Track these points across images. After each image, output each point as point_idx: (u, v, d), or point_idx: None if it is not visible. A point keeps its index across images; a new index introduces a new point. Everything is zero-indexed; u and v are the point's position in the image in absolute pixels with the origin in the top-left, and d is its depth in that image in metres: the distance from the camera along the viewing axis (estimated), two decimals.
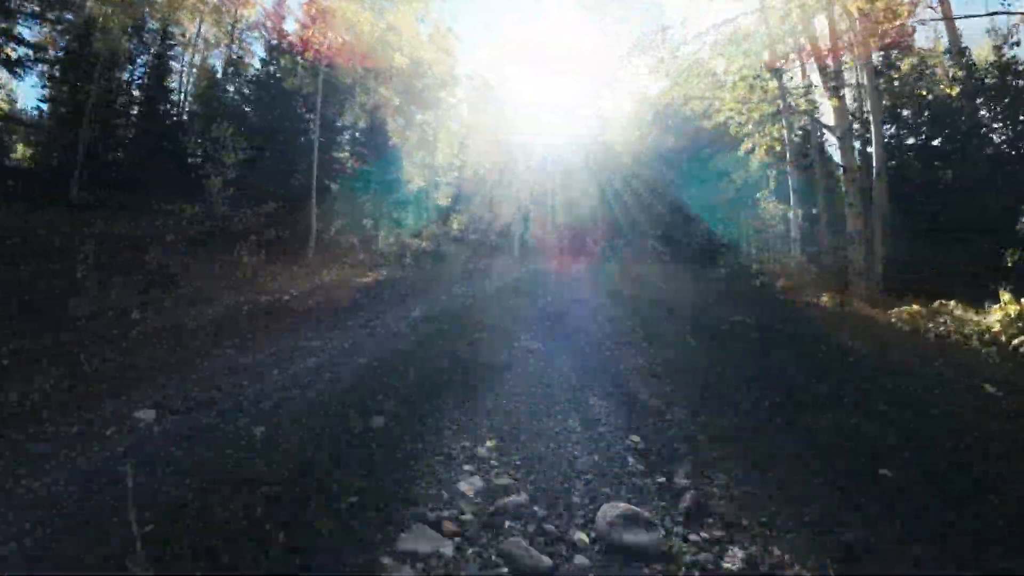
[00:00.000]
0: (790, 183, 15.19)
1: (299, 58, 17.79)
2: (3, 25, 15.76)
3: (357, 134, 24.05)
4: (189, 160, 19.80)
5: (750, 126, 17.24)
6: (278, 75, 18.67)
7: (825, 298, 11.08)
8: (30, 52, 17.25)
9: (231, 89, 24.90)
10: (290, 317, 7.81)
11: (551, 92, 51.36)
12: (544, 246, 37.93)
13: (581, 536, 2.69)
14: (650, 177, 29.42)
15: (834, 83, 12.96)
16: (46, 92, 19.95)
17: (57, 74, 19.50)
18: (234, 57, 25.61)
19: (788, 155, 14.75)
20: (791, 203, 16.05)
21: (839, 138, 12.69)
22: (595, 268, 22.60)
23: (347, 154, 24.16)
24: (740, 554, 2.54)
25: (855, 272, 11.92)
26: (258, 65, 24.28)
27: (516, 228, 33.58)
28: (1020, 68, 15.18)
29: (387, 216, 23.62)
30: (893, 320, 8.63)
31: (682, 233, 32.64)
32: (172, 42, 21.92)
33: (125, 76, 20.57)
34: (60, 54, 20.25)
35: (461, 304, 10.14)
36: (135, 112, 21.65)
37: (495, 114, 39.10)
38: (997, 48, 16.47)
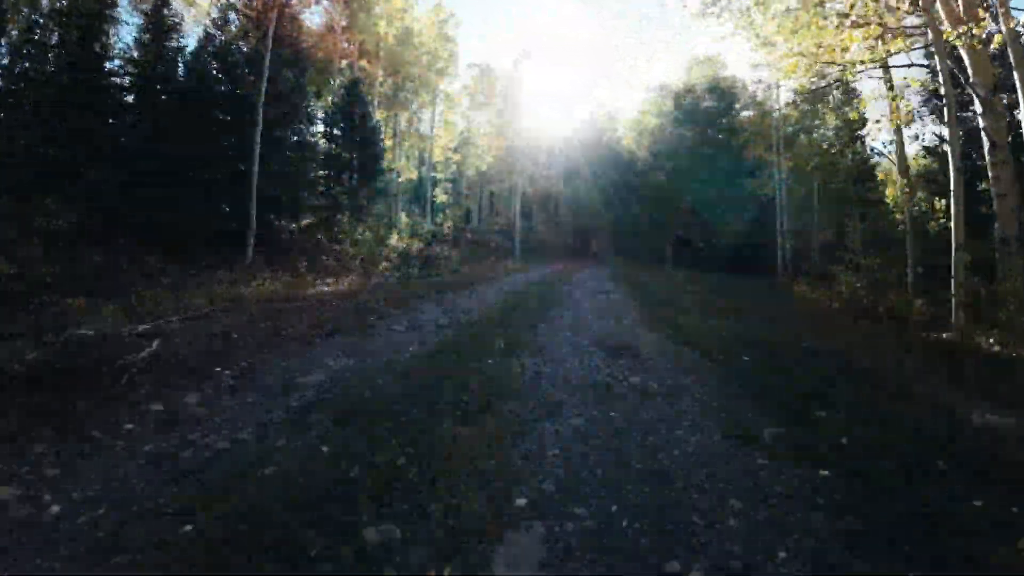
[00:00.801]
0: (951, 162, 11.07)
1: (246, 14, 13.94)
2: None
3: (330, 112, 20.08)
4: None
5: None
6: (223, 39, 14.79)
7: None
8: None
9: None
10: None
11: (557, 86, 47.50)
12: (548, 248, 33.96)
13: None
14: (667, 174, 25.53)
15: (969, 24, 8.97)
16: None
17: None
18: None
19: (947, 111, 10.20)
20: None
21: (982, 100, 8.70)
22: (614, 277, 18.66)
23: (316, 136, 20.25)
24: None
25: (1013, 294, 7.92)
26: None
27: (517, 228, 29.58)
28: None
29: (367, 211, 19.65)
30: None
31: (704, 236, 28.72)
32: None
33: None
34: None
35: (407, 367, 6.15)
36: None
37: (498, 108, 34.90)
38: None
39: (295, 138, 17.36)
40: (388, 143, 30.88)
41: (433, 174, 40.90)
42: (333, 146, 19.64)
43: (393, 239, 21.71)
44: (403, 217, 29.97)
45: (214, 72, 14.19)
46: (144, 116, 13.13)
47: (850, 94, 16.98)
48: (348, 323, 6.75)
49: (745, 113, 31.55)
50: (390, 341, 5.80)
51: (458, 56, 35.49)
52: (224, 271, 11.87)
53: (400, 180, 27.90)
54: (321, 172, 19.53)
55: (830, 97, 17.25)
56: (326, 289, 10.59)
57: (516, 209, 29.79)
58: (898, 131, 14.80)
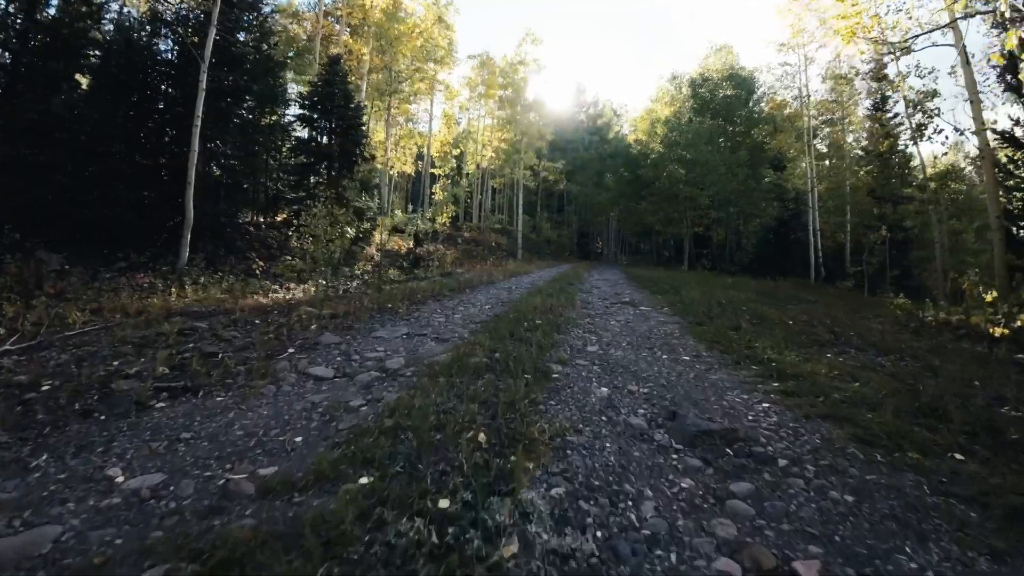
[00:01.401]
0: None
1: None
2: None
3: (308, 90, 17.41)
4: None
5: None
6: None
7: None
8: None
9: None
10: None
11: (563, 75, 44.68)
12: (552, 247, 31.24)
13: None
14: (685, 166, 22.83)
15: None
16: None
17: None
18: None
19: None
20: None
21: None
22: (632, 280, 15.95)
23: (290, 119, 17.66)
24: None
25: None
26: None
27: (520, 226, 26.93)
28: None
29: (349, 205, 16.99)
30: None
31: (725, 234, 25.92)
32: None
33: None
34: None
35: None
36: None
37: (500, 99, 32.19)
38: None
39: (260, 118, 14.77)
40: (380, 135, 28.28)
41: (431, 170, 38.46)
42: (309, 130, 17.01)
43: (378, 236, 19.10)
44: (398, 213, 27.37)
45: (147, 32, 11.55)
46: (60, 82, 10.48)
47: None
48: (232, 364, 4.07)
49: (766, 102, 28.98)
50: (265, 422, 3.08)
51: (457, 46, 32.90)
52: (149, 274, 9.26)
53: (392, 173, 25.28)
54: (299, 160, 16.97)
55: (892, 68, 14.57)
56: (267, 300, 7.94)
57: (518, 206, 27.18)
58: (976, 107, 12.16)
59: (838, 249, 23.44)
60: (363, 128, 17.98)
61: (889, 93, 25.03)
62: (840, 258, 23.02)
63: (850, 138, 25.52)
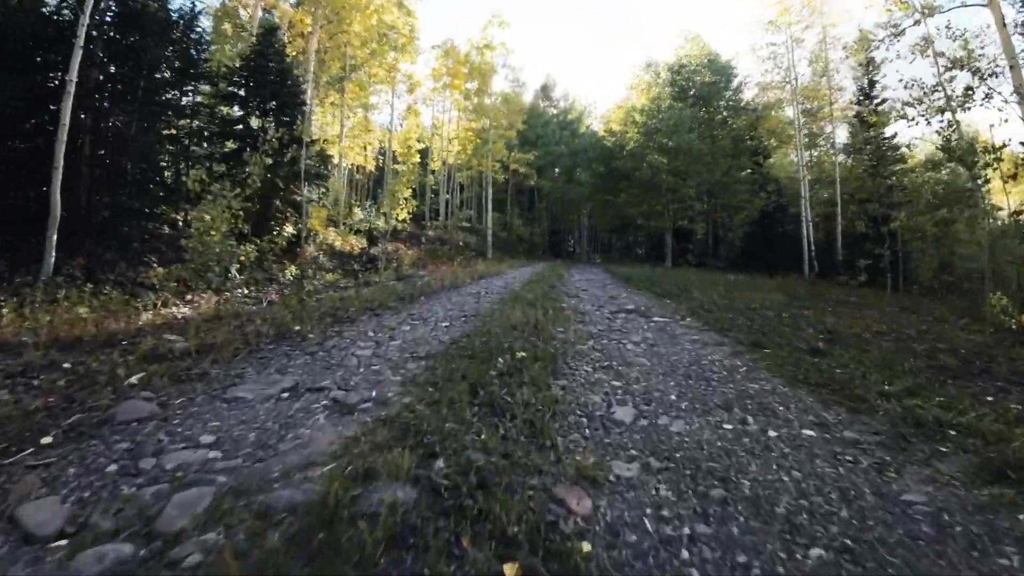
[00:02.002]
0: None
1: None
2: None
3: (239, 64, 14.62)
4: None
5: None
6: None
7: None
8: None
9: None
10: None
11: (534, 64, 42.48)
12: (523, 244, 28.88)
13: None
14: (668, 155, 20.85)
15: None
16: None
17: None
18: None
19: None
20: None
21: None
22: (621, 280, 13.68)
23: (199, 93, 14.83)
24: None
25: None
26: None
27: (489, 223, 24.51)
28: None
29: (284, 198, 14.29)
30: None
31: (710, 228, 24.02)
32: None
33: None
34: None
35: None
36: None
37: (466, 90, 29.59)
38: None
39: (180, 96, 12.05)
40: (334, 127, 25.46)
41: (394, 166, 35.66)
42: (236, 111, 14.28)
43: (330, 235, 16.47)
44: (358, 212, 24.57)
45: None
46: None
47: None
48: None
49: (747, 90, 27.28)
50: None
51: (419, 33, 30.31)
52: None
53: (346, 165, 22.60)
54: (227, 146, 14.21)
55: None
56: (137, 321, 5.37)
57: (488, 202, 24.75)
58: (1016, 73, 10.34)
59: (828, 241, 21.81)
60: (303, 108, 15.29)
61: (878, 77, 23.62)
62: (831, 250, 21.37)
63: (841, 131, 23.95)
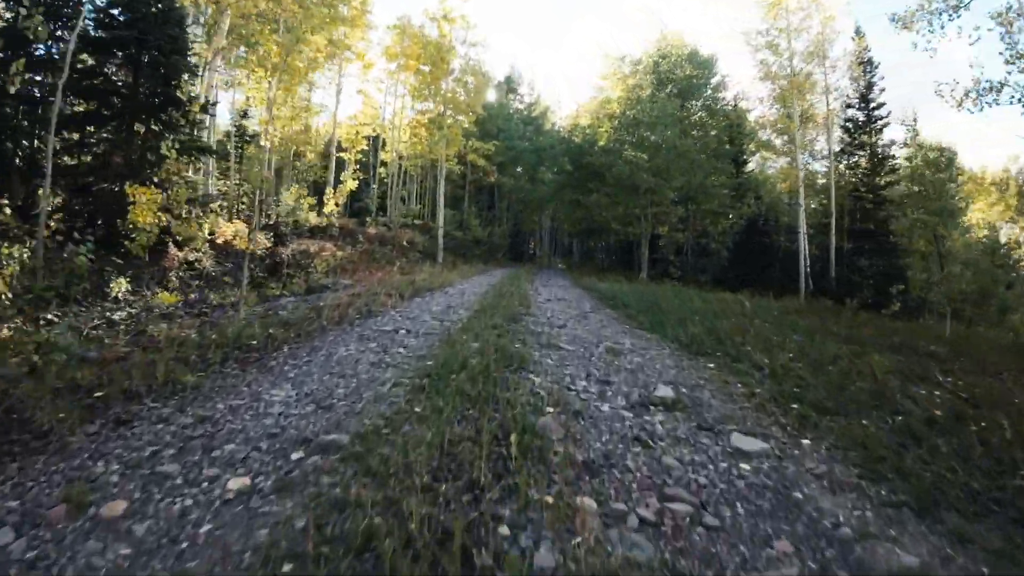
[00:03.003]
0: None
1: None
2: None
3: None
4: None
5: None
6: None
7: None
8: None
9: None
10: None
11: (498, 49, 38.72)
12: (480, 247, 25.13)
13: None
14: (648, 153, 17.82)
15: None
16: None
17: None
18: None
19: None
20: None
21: None
22: (607, 300, 10.19)
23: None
24: None
25: None
26: None
27: (441, 222, 20.82)
28: None
29: (153, 179, 10.24)
30: None
31: (691, 237, 21.05)
32: None
33: None
34: None
35: None
36: None
37: (423, 73, 25.64)
38: None
39: None
40: (245, 98, 21.19)
41: (340, 154, 31.53)
42: (95, 61, 10.14)
43: (229, 231, 12.47)
44: (288, 202, 20.32)
45: None
46: None
47: None
48: None
49: (727, 90, 24.66)
50: None
51: (372, 6, 26.35)
52: None
53: (266, 144, 18.49)
54: (77, 106, 10.09)
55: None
56: None
57: (440, 198, 21.03)
58: None
59: (820, 255, 19.21)
60: (189, 63, 11.22)
61: (876, 79, 21.34)
62: (823, 265, 18.75)
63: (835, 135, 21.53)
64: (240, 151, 22.05)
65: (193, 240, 9.98)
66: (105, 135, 10.26)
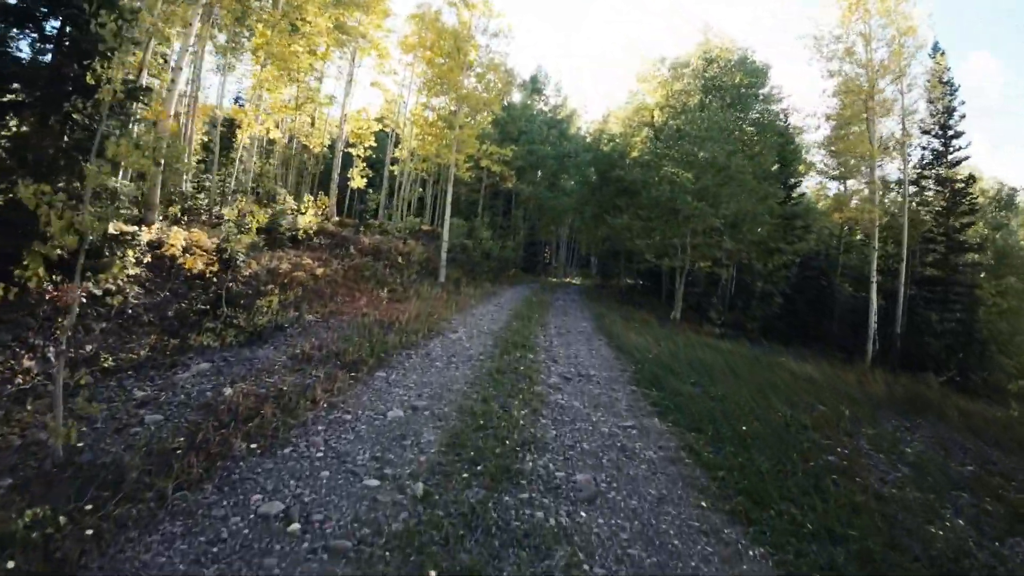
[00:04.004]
0: None
1: None
2: None
3: None
4: None
5: None
6: None
7: None
8: None
9: None
10: None
11: (524, 44, 35.68)
12: (490, 262, 22.25)
13: None
14: (696, 170, 14.96)
15: None
16: None
17: None
18: None
19: None
20: None
21: None
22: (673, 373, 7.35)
23: None
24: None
25: None
26: None
27: (447, 232, 18.13)
28: None
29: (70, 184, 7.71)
30: None
31: (735, 275, 18.01)
32: None
33: None
34: None
35: None
36: None
37: (439, 66, 22.99)
38: None
39: None
40: (273, 95, 18.68)
41: (348, 149, 29.05)
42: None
43: (176, 241, 9.93)
44: (252, 208, 17.79)
45: None
46: None
47: None
48: None
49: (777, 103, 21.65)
50: None
51: None
52: None
53: (249, 141, 15.96)
54: None
55: None
56: None
57: (448, 208, 18.31)
58: None
59: (886, 304, 16.14)
60: (124, 36, 8.64)
61: (957, 103, 18.22)
62: (886, 319, 15.69)
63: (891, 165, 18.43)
64: (228, 143, 19.60)
65: (106, 267, 7.37)
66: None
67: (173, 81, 12.64)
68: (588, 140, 28.74)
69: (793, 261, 15.96)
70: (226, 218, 11.42)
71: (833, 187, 21.62)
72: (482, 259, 20.34)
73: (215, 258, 9.21)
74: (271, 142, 29.63)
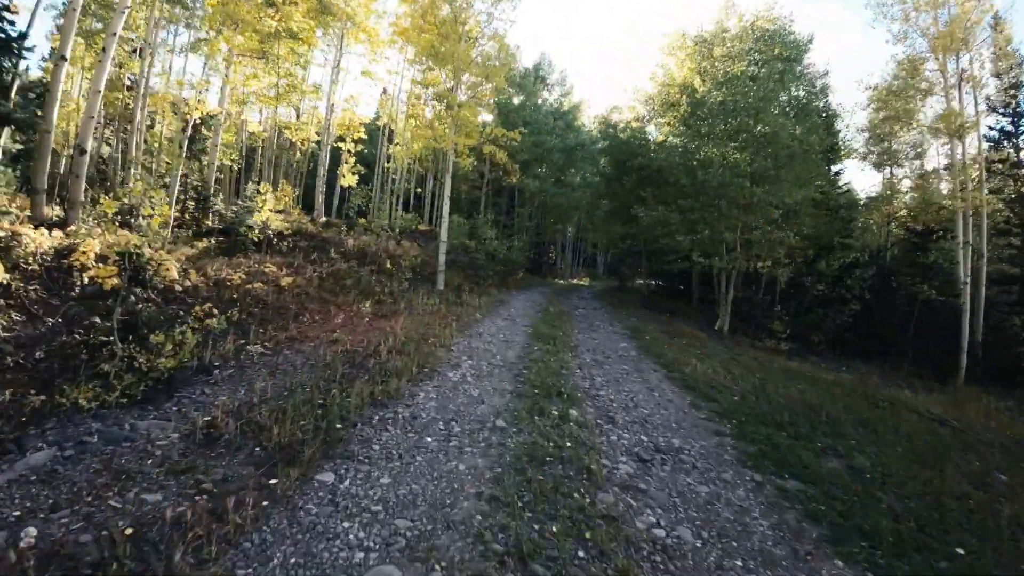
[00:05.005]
0: None
1: None
2: None
3: None
4: None
5: None
6: None
7: None
8: None
9: None
10: None
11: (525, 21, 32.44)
12: (495, 263, 19.35)
13: None
14: (751, 150, 12.24)
15: None
16: None
17: None
18: None
19: None
20: None
21: None
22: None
23: None
24: None
25: None
26: None
27: (445, 230, 15.32)
28: None
29: None
30: None
31: (793, 276, 14.83)
32: None
33: None
34: None
35: None
36: None
37: (433, 45, 20.04)
38: None
39: None
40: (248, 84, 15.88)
41: (338, 143, 26.32)
42: None
43: (84, 251, 7.18)
44: (152, 193, 14.84)
45: None
46: None
47: None
48: None
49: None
50: None
51: None
52: None
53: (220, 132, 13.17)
54: None
55: None
56: None
57: (446, 203, 15.43)
58: None
59: (948, 311, 13.35)
60: None
61: None
62: (956, 327, 12.90)
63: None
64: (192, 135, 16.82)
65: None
66: None
67: (104, 50, 9.96)
68: (602, 128, 25.94)
69: (858, 259, 13.25)
70: (142, 212, 8.65)
71: (871, 176, 18.85)
72: (486, 261, 17.60)
73: (117, 268, 6.45)
74: (253, 136, 26.87)
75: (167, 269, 8.48)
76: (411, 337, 7.59)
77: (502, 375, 6.13)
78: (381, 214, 17.32)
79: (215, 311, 7.38)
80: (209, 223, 13.74)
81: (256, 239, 10.92)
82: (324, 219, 20.00)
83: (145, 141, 17.11)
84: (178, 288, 8.09)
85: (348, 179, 23.79)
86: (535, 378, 5.99)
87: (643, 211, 14.51)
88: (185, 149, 13.51)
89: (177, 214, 14.85)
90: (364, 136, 24.18)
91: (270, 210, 11.01)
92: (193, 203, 14.86)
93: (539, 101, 28.64)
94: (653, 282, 22.98)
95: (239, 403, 4.59)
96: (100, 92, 9.98)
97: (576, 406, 5.18)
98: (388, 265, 12.75)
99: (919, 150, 18.79)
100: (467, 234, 19.16)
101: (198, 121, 14.93)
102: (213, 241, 11.56)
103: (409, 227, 22.82)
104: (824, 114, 17.82)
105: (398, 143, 25.14)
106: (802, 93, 16.14)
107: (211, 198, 13.79)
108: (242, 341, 7.09)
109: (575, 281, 31.73)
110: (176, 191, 15.59)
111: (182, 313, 7.21)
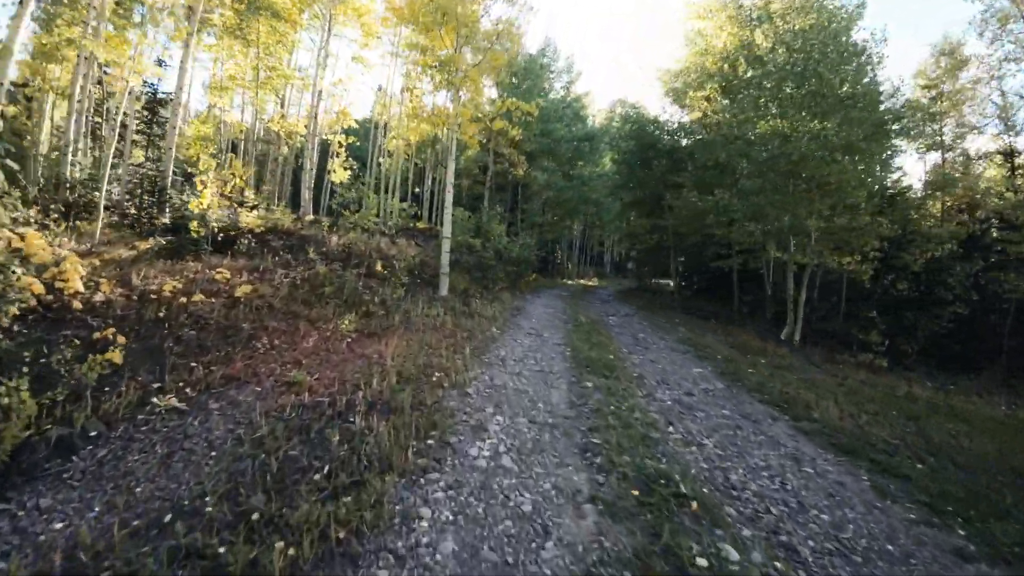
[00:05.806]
0: None
1: None
2: None
3: None
4: None
5: None
6: None
7: None
8: None
9: None
10: None
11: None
12: (501, 263, 16.75)
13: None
14: (812, 114, 9.83)
15: None
16: None
17: None
18: None
19: None
20: None
21: None
22: None
23: None
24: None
25: None
26: None
27: (448, 228, 12.80)
28: None
29: None
30: None
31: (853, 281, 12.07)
32: None
33: None
34: None
35: None
36: None
37: (425, 27, 17.35)
38: None
39: None
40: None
41: (325, 136, 23.93)
42: None
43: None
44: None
45: None
46: None
47: None
48: None
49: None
50: None
51: None
52: None
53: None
54: None
55: None
56: None
57: (449, 193, 12.86)
58: None
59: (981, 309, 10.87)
60: None
61: None
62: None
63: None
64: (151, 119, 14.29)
65: None
66: None
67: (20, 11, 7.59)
68: (624, 112, 23.58)
69: (954, 252, 10.84)
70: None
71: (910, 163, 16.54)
72: (495, 260, 15.12)
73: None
74: (232, 129, 24.32)
75: (66, 279, 6.05)
76: (407, 371, 5.16)
77: (558, 448, 3.69)
78: (371, 209, 14.81)
79: (119, 337, 4.97)
80: (166, 220, 11.27)
81: (196, 234, 8.44)
82: (311, 217, 17.52)
83: (98, 121, 14.58)
84: (77, 306, 5.66)
85: (339, 174, 21.33)
86: (615, 454, 3.54)
87: (678, 199, 12.03)
88: (131, 130, 11.00)
89: (133, 211, 12.44)
90: (355, 125, 21.72)
91: (214, 194, 8.50)
92: (148, 196, 12.40)
93: (545, 86, 26.21)
94: (683, 282, 20.52)
95: (70, 542, 2.16)
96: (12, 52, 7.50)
97: (719, 524, 2.73)
98: (379, 267, 10.27)
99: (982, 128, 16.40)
100: (473, 231, 16.70)
101: (146, 94, 12.43)
102: (162, 241, 9.12)
103: (406, 224, 20.36)
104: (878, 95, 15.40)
105: (394, 136, 22.70)
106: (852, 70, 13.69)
107: (166, 191, 11.30)
108: (156, 384, 4.68)
109: (585, 282, 29.27)
110: (122, 181, 13.11)
111: (64, 343, 4.80)
